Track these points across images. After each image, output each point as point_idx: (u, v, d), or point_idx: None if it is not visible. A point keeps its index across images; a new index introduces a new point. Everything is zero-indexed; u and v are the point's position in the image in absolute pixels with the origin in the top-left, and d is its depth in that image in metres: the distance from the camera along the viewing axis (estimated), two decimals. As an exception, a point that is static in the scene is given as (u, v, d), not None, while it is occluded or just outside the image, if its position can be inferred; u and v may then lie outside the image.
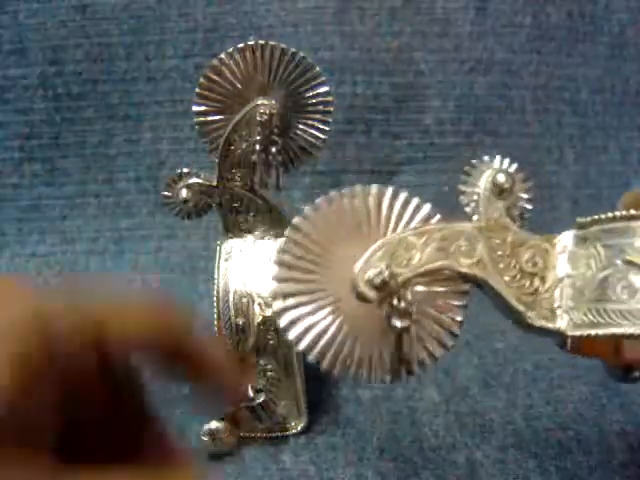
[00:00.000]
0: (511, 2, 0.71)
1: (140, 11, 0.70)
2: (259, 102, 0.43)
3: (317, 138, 0.45)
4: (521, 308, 0.29)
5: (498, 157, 0.32)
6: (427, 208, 0.30)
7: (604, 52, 0.75)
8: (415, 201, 0.30)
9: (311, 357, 0.29)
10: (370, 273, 0.27)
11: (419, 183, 0.71)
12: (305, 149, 0.45)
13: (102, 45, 0.70)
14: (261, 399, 0.43)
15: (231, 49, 0.42)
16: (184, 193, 0.45)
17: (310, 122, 0.45)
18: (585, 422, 0.45)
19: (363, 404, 0.47)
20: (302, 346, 0.29)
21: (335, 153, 0.71)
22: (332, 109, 0.44)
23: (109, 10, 0.69)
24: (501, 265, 0.29)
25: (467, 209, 0.31)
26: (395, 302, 0.28)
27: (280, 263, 0.30)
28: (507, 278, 0.29)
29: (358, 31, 0.70)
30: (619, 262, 0.27)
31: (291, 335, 0.29)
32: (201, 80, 0.43)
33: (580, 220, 0.30)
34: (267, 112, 0.43)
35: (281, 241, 0.30)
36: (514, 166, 0.32)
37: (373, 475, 0.41)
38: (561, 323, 0.28)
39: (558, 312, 0.29)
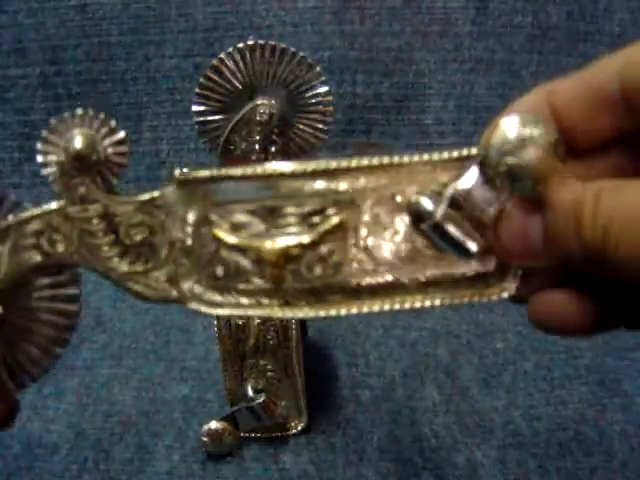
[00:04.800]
0: (511, 2, 0.71)
1: (140, 11, 0.69)
2: (259, 102, 0.43)
3: (317, 138, 0.45)
4: (136, 287, 0.25)
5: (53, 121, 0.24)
6: (12, 198, 0.25)
7: (604, 52, 0.75)
8: None
9: None
10: None
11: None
12: (305, 149, 0.45)
13: (102, 45, 0.70)
14: (261, 399, 0.43)
15: (231, 49, 0.42)
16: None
17: (310, 122, 0.45)
18: (585, 422, 0.45)
19: (363, 404, 0.47)
20: None
21: (335, 153, 0.71)
22: (332, 109, 0.44)
23: (109, 10, 0.69)
24: (100, 244, 0.25)
25: (55, 189, 0.25)
26: None
27: None
28: (114, 256, 0.25)
29: (358, 31, 0.70)
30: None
31: None
32: (201, 80, 0.43)
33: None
34: (267, 112, 0.43)
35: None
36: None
37: (373, 475, 0.41)
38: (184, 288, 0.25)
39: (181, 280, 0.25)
